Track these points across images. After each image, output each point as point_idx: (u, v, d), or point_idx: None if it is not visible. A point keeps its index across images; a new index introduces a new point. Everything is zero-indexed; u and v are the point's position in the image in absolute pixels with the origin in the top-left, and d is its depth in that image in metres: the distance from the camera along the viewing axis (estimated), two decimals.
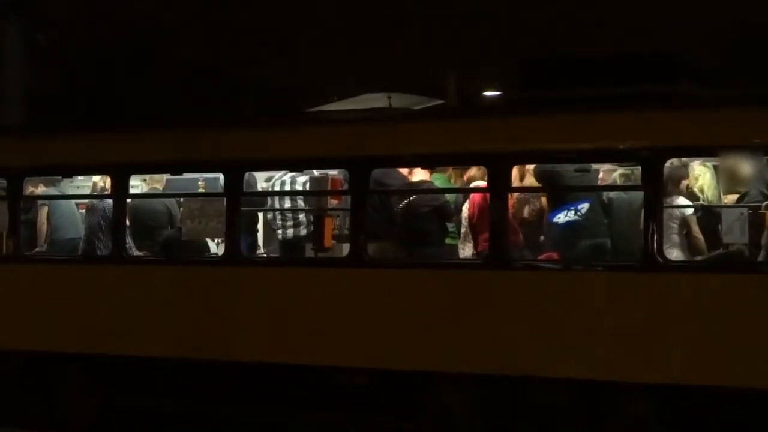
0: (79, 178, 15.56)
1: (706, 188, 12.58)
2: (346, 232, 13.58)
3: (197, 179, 14.75)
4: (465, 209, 13.47)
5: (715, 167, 12.68)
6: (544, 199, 13.23)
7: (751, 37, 35.83)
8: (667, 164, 12.00)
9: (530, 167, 13.04)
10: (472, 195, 13.39)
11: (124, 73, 35.53)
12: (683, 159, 12.30)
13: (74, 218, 15.35)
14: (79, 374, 14.59)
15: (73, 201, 15.47)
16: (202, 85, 35.27)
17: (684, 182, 12.39)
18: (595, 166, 13.00)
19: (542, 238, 13.10)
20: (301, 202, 14.24)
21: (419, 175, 13.52)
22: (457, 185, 14.00)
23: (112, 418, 14.62)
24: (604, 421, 12.10)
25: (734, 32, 36.14)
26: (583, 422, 12.17)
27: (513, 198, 12.86)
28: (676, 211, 12.28)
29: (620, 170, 12.98)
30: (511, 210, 12.75)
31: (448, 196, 13.58)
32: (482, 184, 13.15)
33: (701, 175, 12.55)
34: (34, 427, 14.48)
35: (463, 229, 13.44)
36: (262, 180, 14.57)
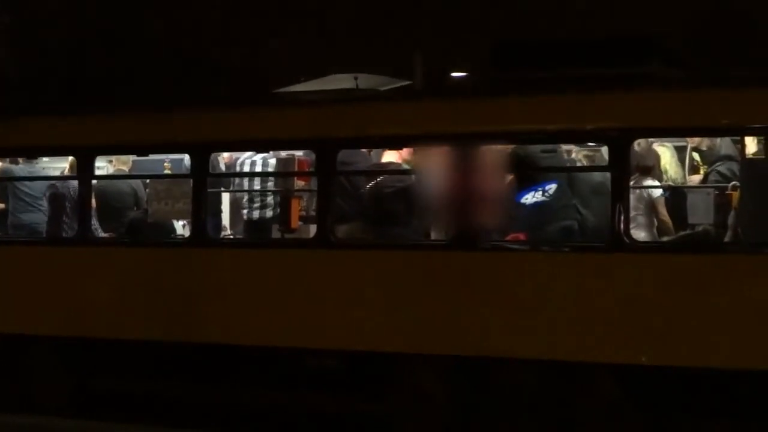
0: (44, 159, 15.51)
1: (668, 167, 12.64)
2: (313, 213, 13.56)
3: (163, 160, 14.74)
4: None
5: (682, 147, 12.72)
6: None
7: (725, 21, 36.39)
8: (635, 145, 12.00)
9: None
10: None
11: (96, 54, 35.44)
12: (650, 139, 12.33)
13: (35, 200, 15.18)
14: (50, 357, 14.57)
15: (37, 182, 15.32)
16: (173, 67, 35.27)
17: (650, 163, 12.40)
18: (563, 147, 12.99)
19: (509, 218, 13.04)
20: (268, 184, 14.26)
21: (386, 156, 13.50)
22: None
23: (84, 401, 14.56)
24: (574, 402, 12.12)
25: (709, 17, 36.63)
26: (554, 403, 12.19)
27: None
28: (643, 192, 12.32)
29: (586, 151, 13.01)
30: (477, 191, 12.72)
31: (412, 177, 13.48)
32: None
33: (662, 155, 12.60)
34: (3, 410, 14.41)
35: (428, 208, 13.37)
36: (227, 161, 14.59)
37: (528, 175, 12.71)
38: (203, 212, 13.68)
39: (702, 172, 12.62)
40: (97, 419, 14.12)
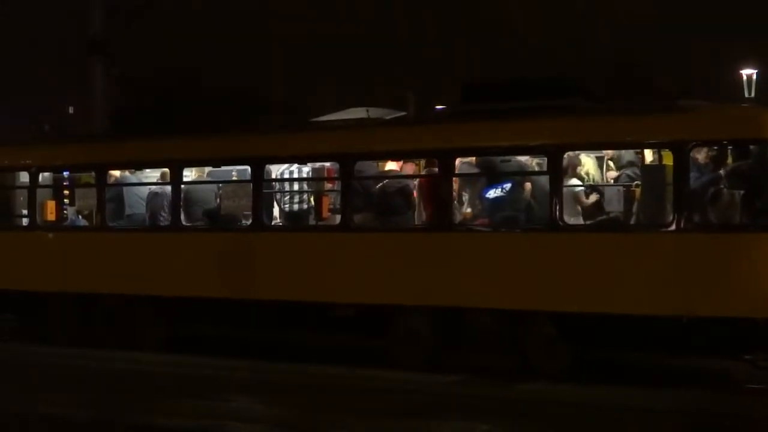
0: (147, 170, 15.32)
1: (591, 171, 12.54)
2: (338, 206, 13.47)
3: (231, 170, 14.59)
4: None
5: (601, 157, 12.63)
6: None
7: (626, 70, 36.81)
8: (565, 156, 11.96)
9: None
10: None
11: (177, 94, 35.56)
12: (577, 151, 12.23)
13: (140, 200, 15.03)
14: (148, 310, 14.50)
15: (140, 187, 15.13)
16: (231, 102, 35.48)
17: (577, 168, 12.33)
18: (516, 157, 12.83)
19: (477, 208, 13.02)
20: (306, 186, 14.13)
21: (388, 165, 13.43)
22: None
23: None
24: (523, 340, 12.12)
25: (615, 64, 37.06)
26: (508, 341, 12.17)
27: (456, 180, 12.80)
28: (572, 189, 12.22)
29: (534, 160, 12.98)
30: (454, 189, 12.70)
31: (408, 180, 13.41)
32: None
33: (586, 163, 12.48)
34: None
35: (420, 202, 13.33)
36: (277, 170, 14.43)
37: (492, 177, 12.62)
38: (260, 207, 13.64)
39: (615, 174, 12.51)
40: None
